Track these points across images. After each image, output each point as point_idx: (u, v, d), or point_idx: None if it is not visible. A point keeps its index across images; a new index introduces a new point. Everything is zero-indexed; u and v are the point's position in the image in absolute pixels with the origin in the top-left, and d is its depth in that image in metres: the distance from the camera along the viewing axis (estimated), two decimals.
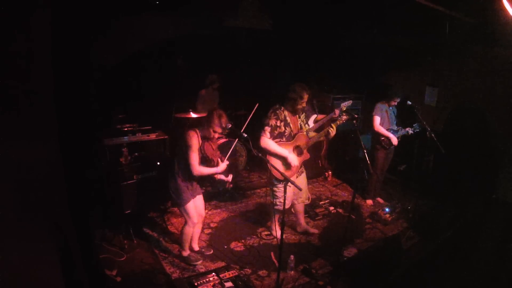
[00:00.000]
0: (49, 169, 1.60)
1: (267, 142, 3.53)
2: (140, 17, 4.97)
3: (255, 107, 3.59)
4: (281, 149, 3.56)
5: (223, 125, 3.11)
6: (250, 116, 3.55)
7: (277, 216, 4.00)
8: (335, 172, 6.12)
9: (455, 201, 4.71)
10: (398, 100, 4.71)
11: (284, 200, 2.87)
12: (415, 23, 4.72)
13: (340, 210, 4.85)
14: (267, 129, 3.54)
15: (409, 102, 4.51)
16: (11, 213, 1.49)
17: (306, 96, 3.57)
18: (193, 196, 3.33)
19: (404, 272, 3.44)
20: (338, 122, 3.68)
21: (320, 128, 4.46)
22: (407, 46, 5.49)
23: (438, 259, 3.71)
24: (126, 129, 4.53)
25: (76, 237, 1.78)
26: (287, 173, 3.64)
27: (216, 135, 3.24)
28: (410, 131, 4.67)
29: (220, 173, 3.33)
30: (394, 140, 4.67)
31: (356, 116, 3.67)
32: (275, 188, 3.76)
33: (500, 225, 4.08)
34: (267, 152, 3.57)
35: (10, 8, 1.36)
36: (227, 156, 3.44)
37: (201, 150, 3.17)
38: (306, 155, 3.77)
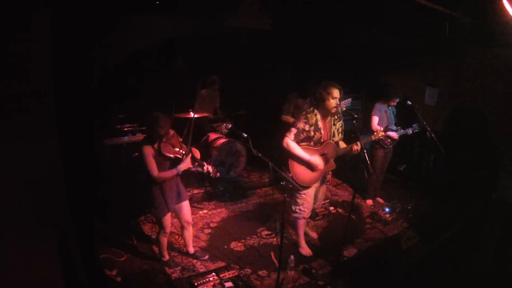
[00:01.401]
0: (49, 169, 1.60)
1: (289, 143, 3.34)
2: (141, 17, 4.96)
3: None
4: (303, 153, 3.35)
5: (164, 128, 2.99)
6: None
7: (301, 227, 3.78)
8: (335, 172, 6.11)
9: (455, 201, 4.71)
10: (398, 100, 4.70)
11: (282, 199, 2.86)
12: (415, 23, 4.72)
13: (340, 210, 4.86)
14: (293, 130, 3.37)
15: (409, 102, 4.51)
16: (11, 213, 1.49)
17: (336, 92, 3.31)
18: (170, 207, 3.25)
19: (404, 272, 3.44)
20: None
21: None
22: (407, 46, 5.49)
23: (438, 259, 3.71)
24: (126, 129, 4.54)
25: (76, 237, 1.78)
26: (311, 178, 3.49)
27: (168, 135, 3.11)
28: (410, 131, 4.66)
29: (190, 166, 3.15)
30: (394, 135, 4.64)
31: (356, 116, 3.66)
32: (297, 194, 3.57)
33: (500, 225, 4.08)
34: (287, 153, 3.40)
35: (10, 8, 1.36)
36: (189, 143, 3.21)
37: (159, 153, 3.05)
38: (332, 165, 3.57)
